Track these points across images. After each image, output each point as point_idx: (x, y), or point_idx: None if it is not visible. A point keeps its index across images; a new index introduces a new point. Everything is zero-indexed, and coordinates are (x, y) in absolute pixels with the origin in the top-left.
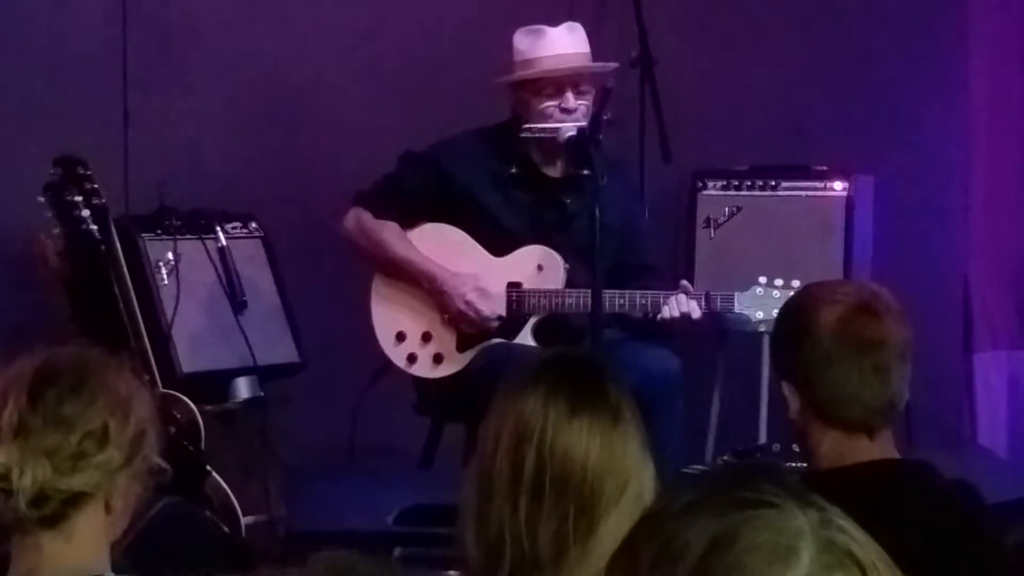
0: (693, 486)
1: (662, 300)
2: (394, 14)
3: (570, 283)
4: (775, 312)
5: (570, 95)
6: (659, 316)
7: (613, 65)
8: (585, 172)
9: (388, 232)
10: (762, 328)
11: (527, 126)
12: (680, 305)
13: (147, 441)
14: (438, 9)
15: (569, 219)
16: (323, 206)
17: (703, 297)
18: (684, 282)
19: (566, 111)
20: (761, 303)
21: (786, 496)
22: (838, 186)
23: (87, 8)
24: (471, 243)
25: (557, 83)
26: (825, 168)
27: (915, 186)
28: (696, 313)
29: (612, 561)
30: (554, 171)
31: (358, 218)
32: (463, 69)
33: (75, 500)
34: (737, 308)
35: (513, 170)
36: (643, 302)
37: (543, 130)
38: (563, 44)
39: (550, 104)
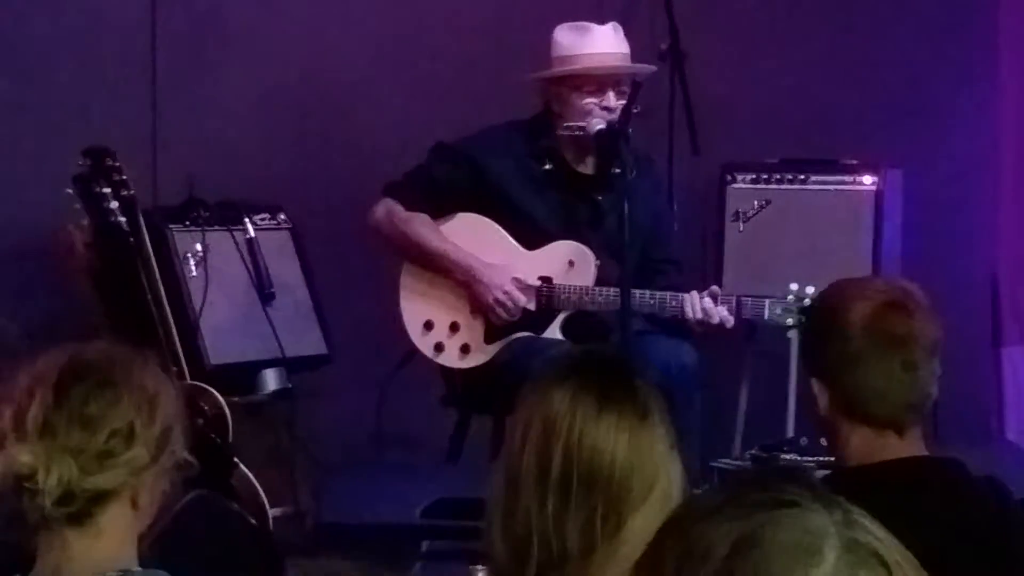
0: (717, 489)
1: (710, 298)
2: (423, 7)
3: (601, 280)
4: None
5: (611, 94)
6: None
7: (654, 68)
8: (616, 171)
9: (419, 223)
10: (790, 335)
11: (567, 124)
12: (695, 312)
13: (174, 437)
14: (467, 2)
15: (601, 216)
16: (351, 198)
17: (733, 302)
18: (714, 288)
19: (607, 109)
20: (792, 311)
21: (810, 496)
22: (867, 180)
23: (117, 0)
24: (503, 235)
25: (600, 81)
26: (854, 162)
27: (944, 180)
28: (730, 323)
29: (637, 566)
30: (586, 168)
31: (389, 209)
32: (491, 62)
33: (101, 498)
34: (767, 316)
35: (547, 167)
36: (674, 304)
37: (580, 127)
38: (608, 43)
39: (591, 101)
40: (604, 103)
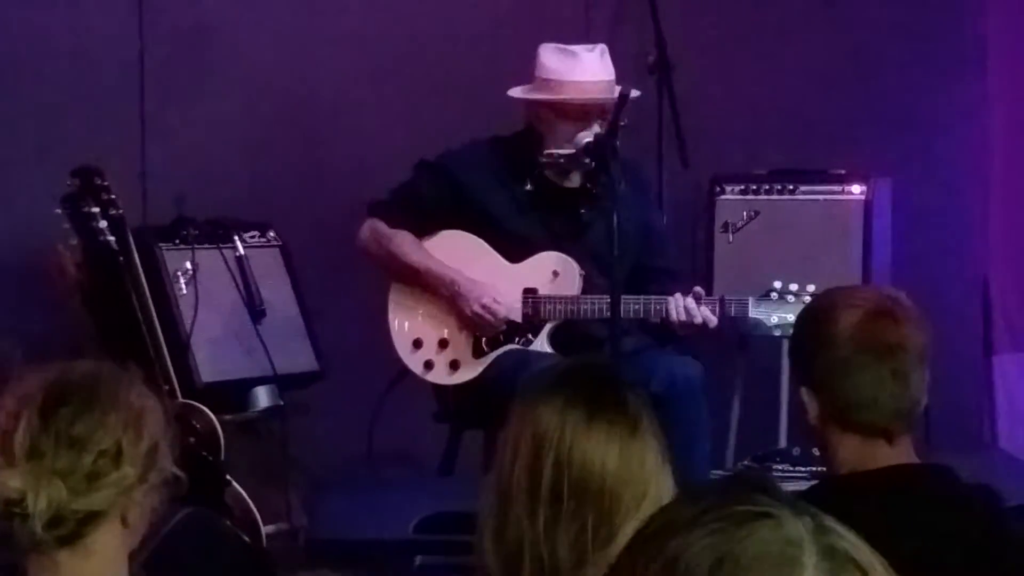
0: (687, 503)
1: (694, 299)
2: (411, 24)
3: (586, 291)
4: (790, 316)
5: (593, 123)
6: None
7: (636, 93)
8: (594, 191)
9: (403, 240)
10: (777, 332)
11: (548, 151)
12: (679, 313)
13: (161, 454)
14: (455, 17)
15: (584, 228)
16: (341, 214)
17: (717, 302)
18: (697, 288)
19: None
20: (775, 308)
21: (781, 505)
22: (856, 189)
23: (104, 19)
24: (487, 249)
25: (585, 110)
26: (843, 172)
27: (934, 188)
28: (712, 322)
29: None
30: (569, 182)
31: (373, 228)
32: (481, 78)
33: (91, 519)
34: (752, 313)
35: (528, 187)
36: (658, 307)
37: (563, 156)
38: (595, 70)
39: (574, 129)
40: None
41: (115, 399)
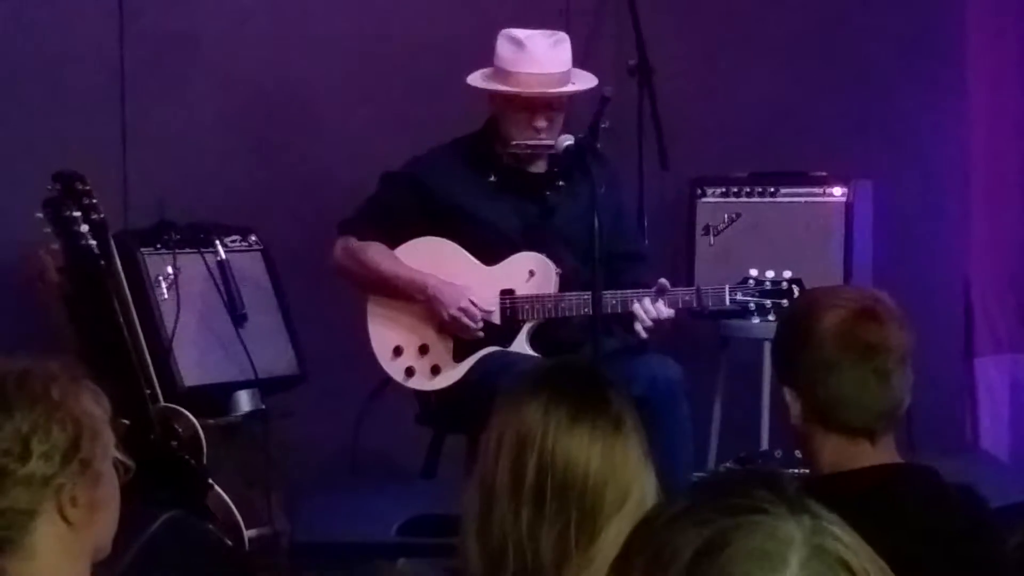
0: (686, 494)
1: (650, 299)
2: (393, 27)
3: (563, 278)
4: (767, 302)
5: (540, 116)
6: (634, 327)
7: (586, 87)
8: (561, 183)
9: (374, 251)
10: (756, 320)
11: (516, 142)
12: (649, 313)
13: (88, 442)
14: (436, 21)
15: (551, 211)
16: (322, 218)
17: (694, 293)
18: (662, 280)
19: (535, 129)
20: (753, 294)
21: (779, 502)
22: (837, 191)
23: (85, 25)
24: (461, 253)
25: (529, 102)
26: (824, 174)
27: (914, 190)
28: (664, 313)
29: (610, 569)
30: (532, 168)
31: (345, 246)
32: (461, 80)
33: (16, 520)
34: (728, 301)
35: (492, 178)
36: (634, 302)
37: (529, 147)
38: (542, 62)
39: (521, 119)
40: (534, 123)
41: (22, 395)
